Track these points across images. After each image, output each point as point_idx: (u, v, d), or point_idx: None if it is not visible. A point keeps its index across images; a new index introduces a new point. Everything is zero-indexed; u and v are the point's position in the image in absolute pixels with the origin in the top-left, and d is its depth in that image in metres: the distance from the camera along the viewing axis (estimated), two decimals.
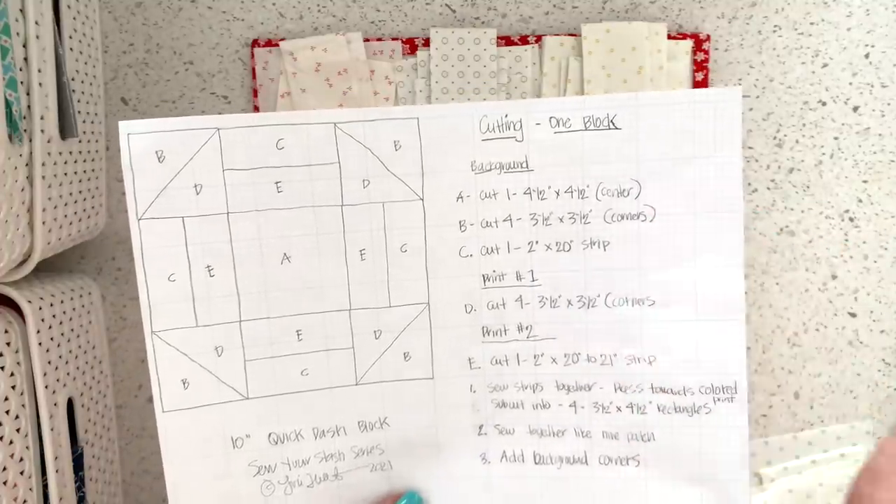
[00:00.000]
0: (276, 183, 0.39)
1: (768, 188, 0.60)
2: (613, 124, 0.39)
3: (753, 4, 0.58)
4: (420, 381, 0.42)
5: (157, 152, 0.37)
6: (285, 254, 0.40)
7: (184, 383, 0.39)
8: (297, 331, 0.40)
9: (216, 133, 0.38)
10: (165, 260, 0.38)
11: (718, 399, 0.40)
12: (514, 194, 0.40)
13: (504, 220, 0.41)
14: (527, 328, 0.42)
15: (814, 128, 0.59)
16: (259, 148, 0.38)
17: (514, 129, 0.40)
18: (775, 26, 0.58)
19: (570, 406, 0.42)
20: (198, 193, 0.38)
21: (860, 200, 0.60)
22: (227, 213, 0.39)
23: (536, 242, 0.41)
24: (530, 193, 0.40)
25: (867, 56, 0.58)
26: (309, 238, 0.40)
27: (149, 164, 0.37)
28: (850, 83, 0.59)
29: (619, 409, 0.41)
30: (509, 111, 0.39)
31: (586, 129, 0.39)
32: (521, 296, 0.41)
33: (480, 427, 0.42)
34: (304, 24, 0.58)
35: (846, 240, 0.60)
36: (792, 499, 0.61)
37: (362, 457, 0.42)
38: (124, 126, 0.37)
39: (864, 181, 0.60)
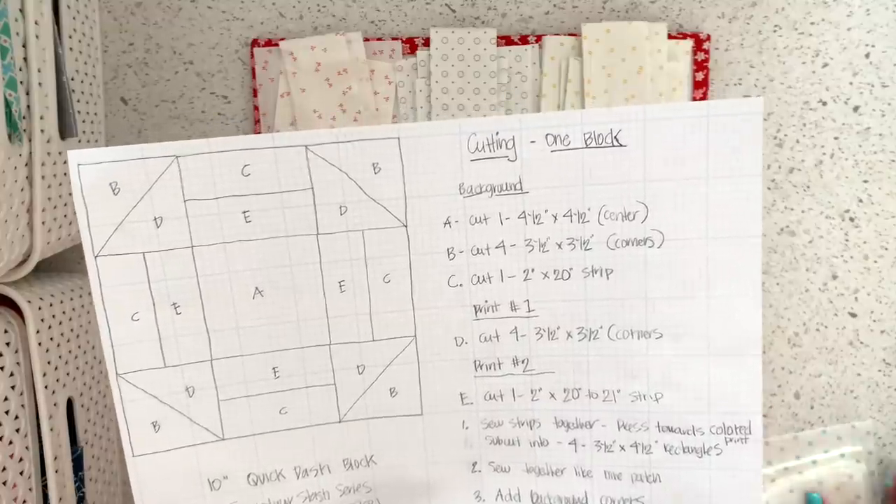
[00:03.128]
0: (244, 212, 0.35)
1: (768, 188, 0.59)
2: (617, 141, 0.35)
3: (754, 4, 0.57)
4: (408, 418, 0.39)
5: (111, 184, 0.34)
6: (257, 288, 0.36)
7: (154, 426, 0.37)
8: (274, 368, 0.38)
9: (174, 161, 0.34)
10: (127, 298, 0.35)
11: (731, 440, 0.37)
12: (508, 219, 0.37)
13: (497, 247, 0.37)
14: (523, 362, 0.38)
15: (814, 128, 0.58)
16: (223, 175, 0.35)
17: (507, 148, 0.36)
18: (776, 26, 0.57)
19: (570, 444, 0.39)
20: (158, 227, 0.35)
21: (860, 200, 0.59)
22: (192, 246, 0.35)
23: (532, 270, 0.37)
24: (525, 217, 0.36)
25: (867, 56, 0.57)
26: (282, 270, 0.36)
27: (103, 197, 0.34)
28: (851, 83, 0.58)
29: (622, 448, 0.38)
30: (500, 128, 0.35)
31: (587, 147, 0.35)
32: (516, 327, 0.38)
33: (474, 464, 0.40)
34: (304, 24, 0.57)
35: (846, 240, 0.59)
36: (793, 498, 0.60)
37: (349, 495, 0.40)
38: (73, 156, 0.34)
39: (865, 181, 0.59)
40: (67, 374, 0.48)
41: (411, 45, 0.56)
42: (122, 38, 0.57)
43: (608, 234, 0.36)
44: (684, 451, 0.38)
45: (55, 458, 0.45)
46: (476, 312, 0.38)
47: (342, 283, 0.37)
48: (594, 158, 0.35)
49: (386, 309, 0.38)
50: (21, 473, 0.43)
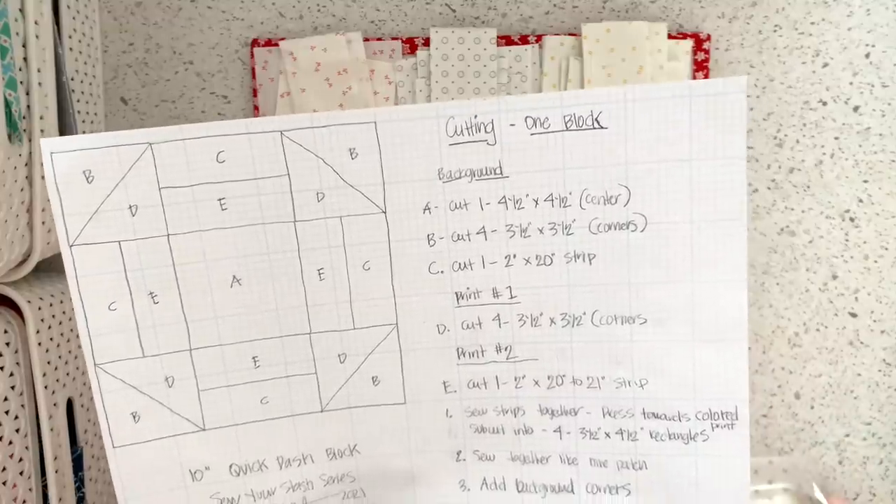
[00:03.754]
0: (220, 200, 0.35)
1: (768, 188, 0.59)
2: (598, 123, 0.34)
3: (754, 4, 0.57)
4: (391, 407, 0.39)
5: (84, 172, 0.34)
6: (235, 276, 0.36)
7: (134, 416, 0.37)
8: (254, 357, 0.37)
9: (148, 148, 0.34)
10: (103, 288, 0.35)
11: (717, 426, 0.36)
12: (488, 204, 0.36)
13: (477, 233, 0.36)
14: (506, 349, 0.38)
15: (814, 127, 0.58)
16: (197, 162, 0.34)
17: (486, 131, 0.35)
18: (776, 26, 0.57)
19: (555, 431, 0.38)
20: (133, 215, 0.34)
21: (861, 200, 0.59)
22: (168, 234, 0.35)
23: (514, 256, 0.37)
24: (506, 202, 0.36)
25: (867, 56, 0.57)
26: (260, 258, 0.36)
27: (76, 185, 0.34)
28: (851, 83, 0.58)
29: (607, 435, 0.38)
30: (479, 111, 0.35)
31: (567, 129, 0.35)
32: (498, 314, 0.37)
33: (458, 453, 0.39)
34: (304, 24, 0.57)
35: (847, 240, 0.59)
36: None
37: (333, 485, 0.39)
38: (46, 144, 0.33)
39: (865, 181, 0.59)
40: (67, 374, 0.48)
41: (411, 45, 0.56)
42: (122, 38, 0.57)
43: (590, 218, 0.36)
44: (670, 438, 0.37)
45: (55, 458, 0.45)
46: (458, 299, 0.37)
47: (321, 271, 0.37)
48: (575, 141, 0.35)
49: (366, 297, 0.37)
50: (21, 473, 0.43)
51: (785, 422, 0.62)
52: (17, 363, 0.43)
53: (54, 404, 0.46)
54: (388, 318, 0.38)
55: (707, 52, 0.56)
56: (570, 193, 0.35)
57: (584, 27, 0.55)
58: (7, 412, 0.42)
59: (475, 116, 0.35)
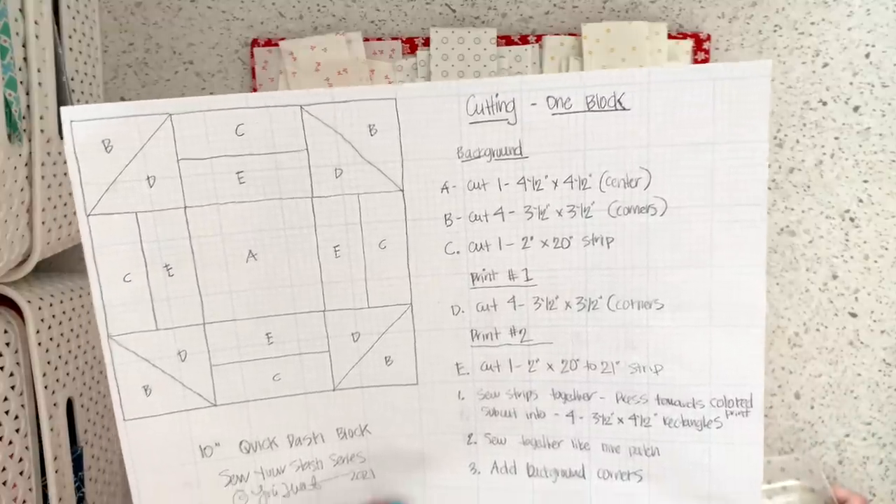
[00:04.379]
0: (238, 173, 0.35)
1: (769, 188, 0.59)
2: (621, 104, 0.34)
3: (754, 4, 0.57)
4: (403, 387, 0.38)
5: (103, 141, 0.33)
6: (251, 251, 0.36)
7: (145, 390, 0.36)
8: (267, 333, 0.37)
9: (168, 119, 0.34)
10: (119, 259, 0.35)
11: (731, 413, 0.36)
12: (507, 184, 0.36)
13: (495, 214, 0.36)
14: (520, 332, 0.38)
15: (814, 128, 0.59)
16: (217, 134, 0.34)
17: (507, 110, 0.35)
18: (776, 26, 0.57)
19: (568, 416, 0.38)
20: (151, 186, 0.34)
21: (861, 200, 0.59)
22: (185, 207, 0.35)
23: (531, 238, 0.36)
24: (524, 183, 0.36)
25: (867, 56, 0.57)
26: (276, 233, 0.36)
27: (95, 155, 0.34)
28: (851, 83, 0.58)
29: (620, 420, 0.38)
30: (500, 89, 0.34)
31: (589, 110, 0.34)
32: (513, 296, 0.37)
33: (470, 436, 0.39)
34: (304, 24, 0.57)
35: (847, 240, 0.59)
36: None
37: (342, 465, 0.39)
38: (66, 112, 0.33)
39: (865, 181, 0.59)
40: (67, 374, 0.48)
41: (411, 45, 0.56)
42: (122, 38, 0.57)
43: (609, 201, 0.35)
44: (684, 424, 0.37)
45: (55, 458, 0.45)
46: (473, 281, 0.37)
47: (337, 248, 0.36)
48: (596, 122, 0.34)
49: (381, 275, 0.37)
50: (21, 473, 0.43)
51: (785, 422, 0.62)
52: (17, 363, 0.43)
53: (54, 404, 0.46)
54: (402, 297, 0.37)
55: (707, 52, 0.56)
56: (590, 175, 0.35)
57: (584, 27, 0.55)
58: (7, 412, 0.42)
59: (496, 95, 0.35)
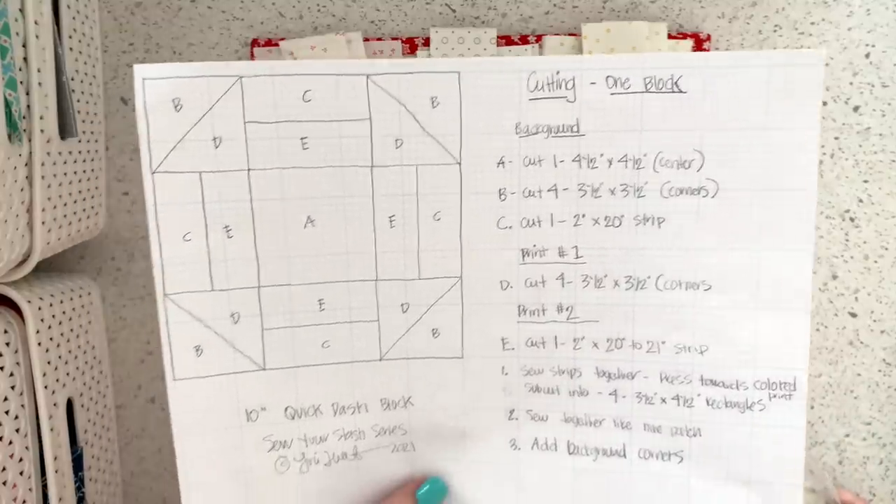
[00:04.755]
0: (302, 139, 0.36)
1: None
2: (678, 87, 0.35)
3: (754, 4, 0.57)
4: (448, 360, 0.39)
5: (173, 100, 0.34)
6: (309, 217, 0.36)
7: (197, 350, 0.37)
8: (320, 300, 0.38)
9: (238, 81, 0.34)
10: (180, 218, 0.35)
11: (774, 396, 0.37)
12: (562, 161, 0.37)
13: (549, 190, 0.37)
14: (567, 309, 0.38)
15: None
16: (284, 99, 0.35)
17: (566, 88, 0.36)
18: (776, 26, 0.57)
19: (611, 395, 0.39)
20: (217, 147, 0.35)
21: (860, 200, 0.59)
22: (248, 169, 0.35)
23: (583, 216, 0.37)
24: (580, 161, 0.37)
25: (867, 56, 0.57)
26: (335, 201, 0.36)
27: (165, 113, 0.34)
28: (851, 83, 0.58)
29: (663, 400, 0.38)
30: (561, 67, 0.35)
31: (647, 91, 0.35)
32: (562, 273, 0.38)
33: (511, 412, 0.39)
34: (304, 24, 0.57)
35: (847, 240, 0.59)
36: None
37: (384, 436, 0.40)
38: (139, 70, 0.34)
39: (865, 181, 0.59)
40: (67, 374, 0.48)
41: (411, 45, 0.56)
42: (122, 38, 0.57)
43: (662, 181, 0.36)
44: (727, 406, 0.37)
45: (55, 458, 0.45)
46: (523, 256, 0.38)
47: (392, 219, 0.37)
48: (653, 103, 0.35)
49: (434, 247, 0.38)
50: (21, 473, 0.43)
51: None
52: (17, 363, 0.43)
53: (54, 404, 0.46)
54: (453, 270, 0.38)
55: (707, 52, 0.56)
56: (645, 155, 0.36)
57: (584, 27, 0.55)
58: (7, 412, 0.42)
59: (557, 73, 0.35)
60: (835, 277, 0.60)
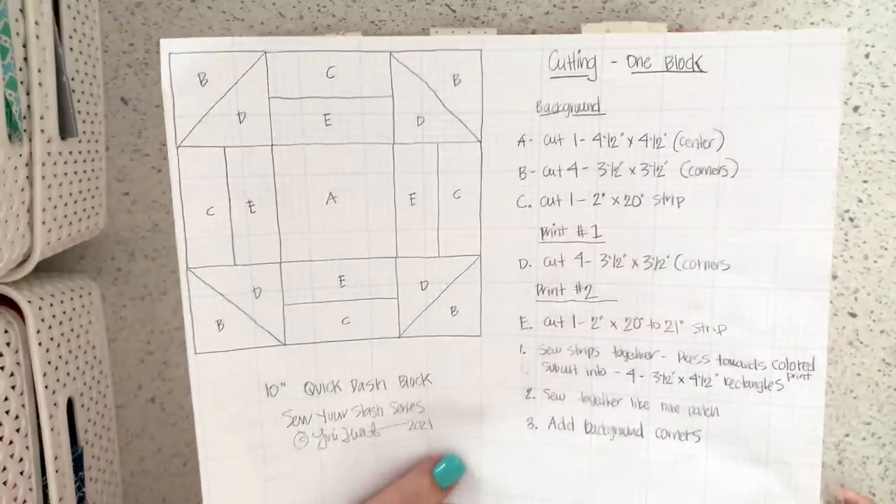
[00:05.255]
0: (325, 115, 0.36)
1: None
2: (698, 66, 0.35)
3: (754, 4, 0.57)
4: (466, 339, 0.39)
5: (199, 74, 0.35)
6: (331, 193, 0.37)
7: (218, 324, 0.37)
8: (340, 276, 0.38)
9: (263, 56, 0.35)
10: (204, 192, 0.36)
11: (793, 375, 0.37)
12: (582, 140, 0.37)
13: (569, 169, 0.37)
14: (586, 288, 0.38)
15: None
16: (308, 75, 0.35)
17: (587, 67, 0.36)
18: (775, 26, 0.57)
19: (628, 374, 0.39)
20: (241, 122, 0.35)
21: (860, 200, 0.59)
22: (272, 144, 0.36)
23: (603, 195, 0.37)
24: (600, 140, 0.37)
25: (867, 56, 0.57)
26: (357, 177, 0.37)
27: (190, 87, 0.35)
28: (851, 83, 0.58)
29: (681, 380, 0.38)
30: (583, 45, 0.36)
31: (667, 71, 0.36)
32: (581, 253, 0.38)
33: (529, 390, 0.40)
34: (304, 24, 0.57)
35: (846, 240, 0.59)
36: None
37: (402, 413, 0.40)
38: (166, 44, 0.34)
39: (865, 181, 0.59)
40: (67, 374, 0.48)
41: None
42: (122, 38, 0.57)
43: (682, 161, 0.36)
44: (745, 386, 0.37)
45: (55, 458, 0.45)
46: (542, 235, 0.38)
47: (413, 196, 0.37)
48: (673, 83, 0.36)
49: (454, 225, 0.38)
50: (21, 473, 0.43)
51: None
52: (18, 363, 0.43)
53: (54, 404, 0.46)
54: (472, 248, 0.38)
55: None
56: (665, 135, 0.36)
57: (584, 27, 0.55)
58: (7, 412, 0.42)
59: (578, 51, 0.36)
60: (834, 277, 0.60)
